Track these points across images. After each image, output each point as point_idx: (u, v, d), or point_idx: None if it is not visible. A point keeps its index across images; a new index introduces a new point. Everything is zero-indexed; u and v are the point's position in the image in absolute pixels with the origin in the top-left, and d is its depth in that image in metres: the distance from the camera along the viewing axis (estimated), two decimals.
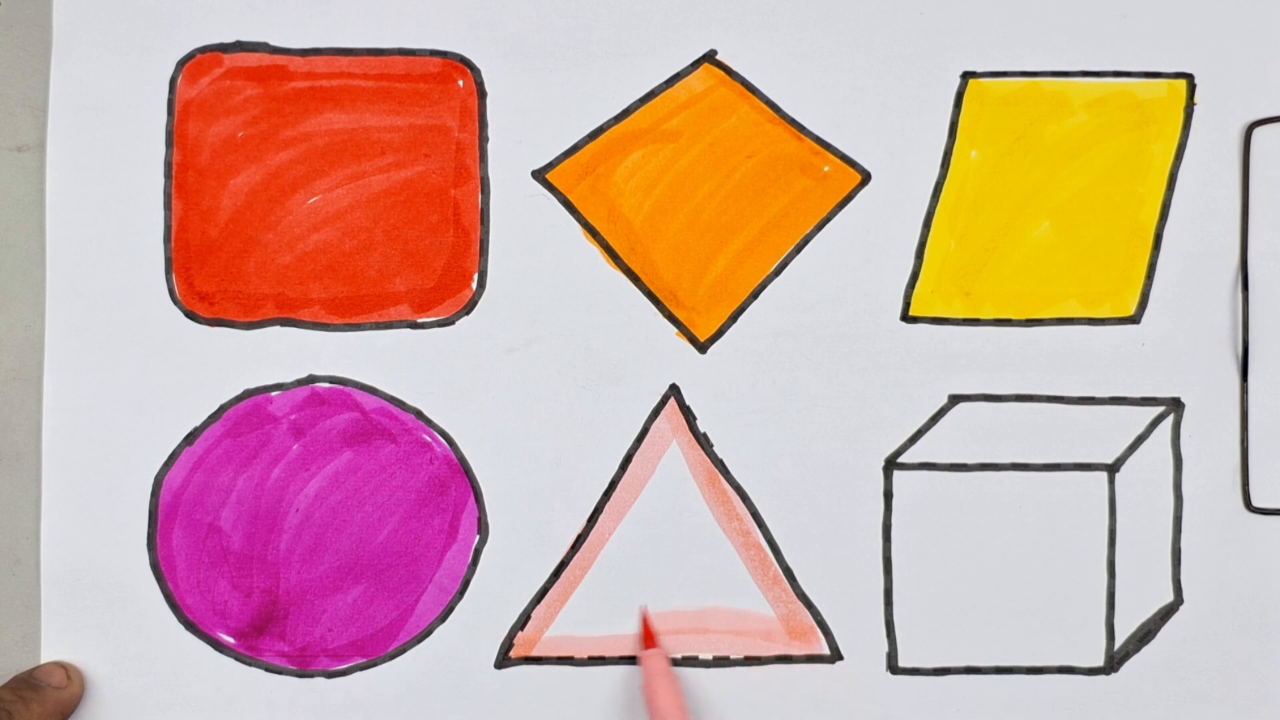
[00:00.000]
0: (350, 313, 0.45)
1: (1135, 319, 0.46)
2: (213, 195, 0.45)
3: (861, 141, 0.46)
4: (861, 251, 0.46)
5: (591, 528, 0.45)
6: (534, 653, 0.45)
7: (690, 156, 0.46)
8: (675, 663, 0.45)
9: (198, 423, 0.45)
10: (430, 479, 0.45)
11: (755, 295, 0.46)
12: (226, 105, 0.45)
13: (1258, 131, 0.46)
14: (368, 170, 0.45)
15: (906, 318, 0.46)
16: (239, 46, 0.45)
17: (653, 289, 0.45)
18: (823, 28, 0.46)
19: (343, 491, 0.45)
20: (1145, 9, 0.46)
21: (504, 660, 0.45)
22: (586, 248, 0.45)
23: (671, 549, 0.45)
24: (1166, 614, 0.46)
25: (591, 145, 0.45)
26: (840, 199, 0.46)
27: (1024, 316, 0.46)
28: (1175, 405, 0.46)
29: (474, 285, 0.45)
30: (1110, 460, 0.46)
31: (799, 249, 0.46)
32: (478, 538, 0.45)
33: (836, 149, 0.46)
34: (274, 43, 0.45)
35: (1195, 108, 0.46)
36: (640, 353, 0.45)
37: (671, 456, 0.45)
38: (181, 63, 0.45)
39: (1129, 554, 0.46)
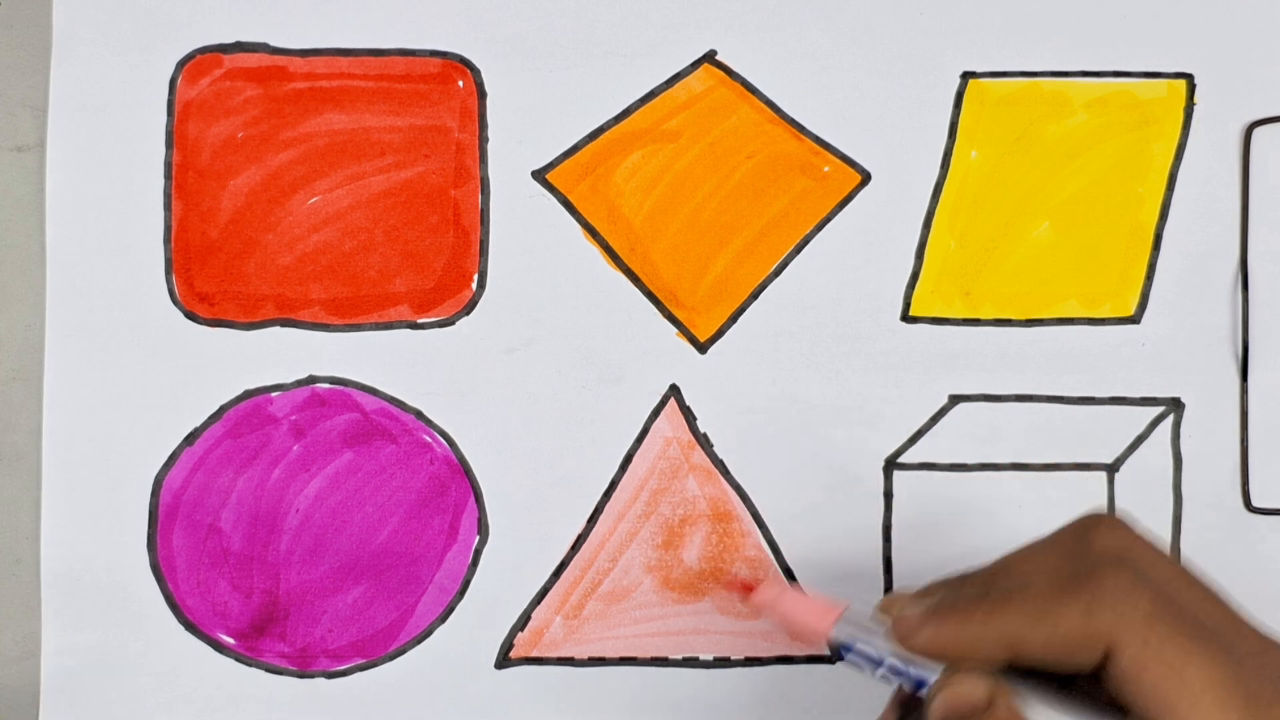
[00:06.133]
0: (350, 313, 0.45)
1: (1135, 319, 0.46)
2: (213, 196, 0.45)
3: (861, 141, 0.46)
4: (861, 251, 0.46)
5: (591, 528, 0.45)
6: (534, 653, 0.45)
7: (690, 156, 0.46)
8: (675, 663, 0.45)
9: (198, 423, 0.45)
10: (430, 479, 0.45)
11: (755, 295, 0.46)
12: (226, 106, 0.45)
13: (1258, 131, 0.46)
14: (368, 171, 0.45)
15: (906, 318, 0.46)
16: (239, 47, 0.45)
17: (653, 289, 0.45)
18: (823, 28, 0.46)
19: (343, 492, 0.45)
20: (1145, 9, 0.46)
21: (504, 660, 0.45)
22: (586, 248, 0.45)
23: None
24: None
25: (591, 145, 0.45)
26: (840, 199, 0.46)
27: (1024, 316, 0.46)
28: (1175, 405, 0.46)
29: (474, 286, 0.45)
30: (1110, 460, 0.46)
31: (799, 249, 0.46)
32: (478, 538, 0.45)
33: (836, 149, 0.46)
34: (274, 43, 0.45)
35: (1195, 108, 0.46)
36: (640, 353, 0.45)
37: (671, 456, 0.45)
38: (181, 63, 0.45)
39: None
